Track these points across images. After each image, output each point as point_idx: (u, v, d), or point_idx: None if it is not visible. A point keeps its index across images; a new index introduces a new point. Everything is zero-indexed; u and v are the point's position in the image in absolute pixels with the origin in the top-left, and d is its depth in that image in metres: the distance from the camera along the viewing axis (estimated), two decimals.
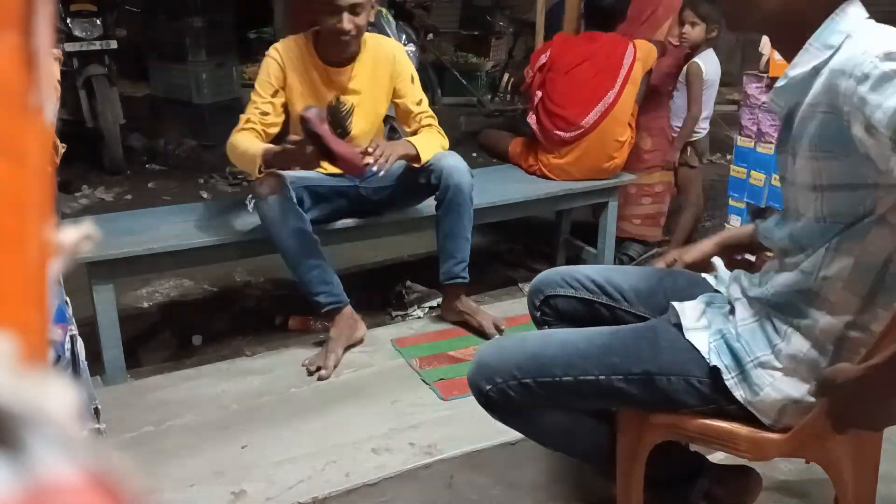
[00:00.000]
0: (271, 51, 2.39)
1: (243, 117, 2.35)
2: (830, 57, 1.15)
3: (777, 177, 2.67)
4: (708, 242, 1.57)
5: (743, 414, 1.28)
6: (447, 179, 2.36)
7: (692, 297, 1.43)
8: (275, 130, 2.38)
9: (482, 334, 2.49)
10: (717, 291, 1.45)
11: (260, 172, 2.22)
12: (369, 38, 2.46)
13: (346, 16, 2.24)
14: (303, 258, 2.26)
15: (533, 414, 1.43)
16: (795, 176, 1.21)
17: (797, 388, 1.23)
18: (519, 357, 1.38)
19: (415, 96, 2.50)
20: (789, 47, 1.23)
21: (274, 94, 2.35)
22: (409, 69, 2.51)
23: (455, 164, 2.38)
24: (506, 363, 1.38)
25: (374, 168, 2.19)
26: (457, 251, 2.46)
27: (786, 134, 1.25)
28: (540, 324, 1.64)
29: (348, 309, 2.37)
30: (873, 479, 1.35)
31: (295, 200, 2.24)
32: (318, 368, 2.26)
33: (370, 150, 2.20)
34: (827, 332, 1.21)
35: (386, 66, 2.45)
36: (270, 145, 2.24)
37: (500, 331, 2.50)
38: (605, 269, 1.67)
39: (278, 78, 2.36)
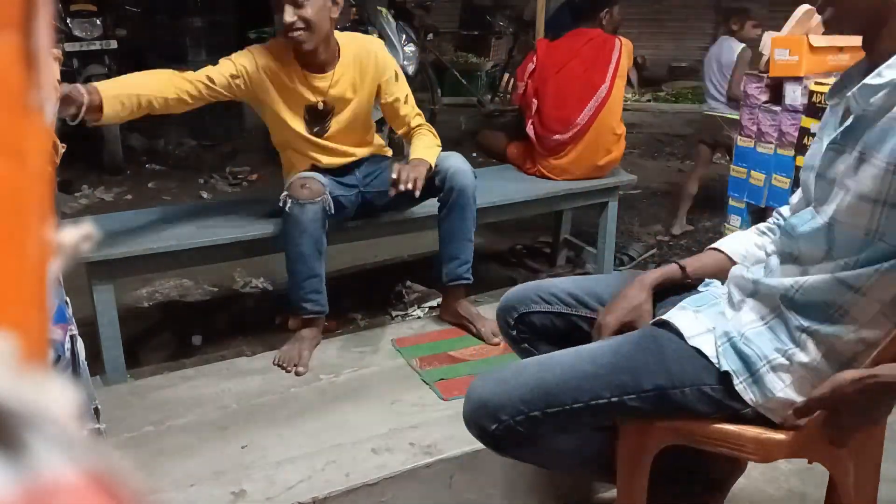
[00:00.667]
0: (253, 48, 2.32)
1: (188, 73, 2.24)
2: None
3: (778, 177, 2.68)
4: (639, 293, 1.44)
5: (751, 415, 1.27)
6: (451, 181, 2.36)
7: (675, 297, 1.42)
8: (201, 98, 2.26)
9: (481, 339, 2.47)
10: (698, 291, 1.44)
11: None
12: (348, 39, 2.40)
13: (287, 8, 2.17)
14: (308, 266, 2.28)
15: (540, 443, 1.37)
16: (853, 183, 1.15)
17: (808, 393, 1.22)
18: (521, 389, 1.30)
19: (400, 93, 2.45)
20: (878, 57, 1.16)
21: (232, 77, 2.26)
22: (392, 65, 2.45)
23: (459, 165, 2.38)
24: (509, 398, 1.30)
25: (405, 188, 2.17)
26: (460, 252, 2.45)
27: (849, 134, 1.18)
28: (516, 342, 1.57)
29: (324, 317, 2.42)
30: (875, 478, 1.35)
31: (331, 208, 2.25)
32: (295, 366, 2.29)
33: (394, 176, 2.19)
34: (847, 345, 1.19)
35: (367, 65, 2.40)
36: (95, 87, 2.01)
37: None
38: (581, 280, 1.62)
39: (241, 70, 2.27)
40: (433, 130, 2.49)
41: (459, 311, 2.51)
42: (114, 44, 4.46)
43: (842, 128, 1.19)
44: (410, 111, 2.48)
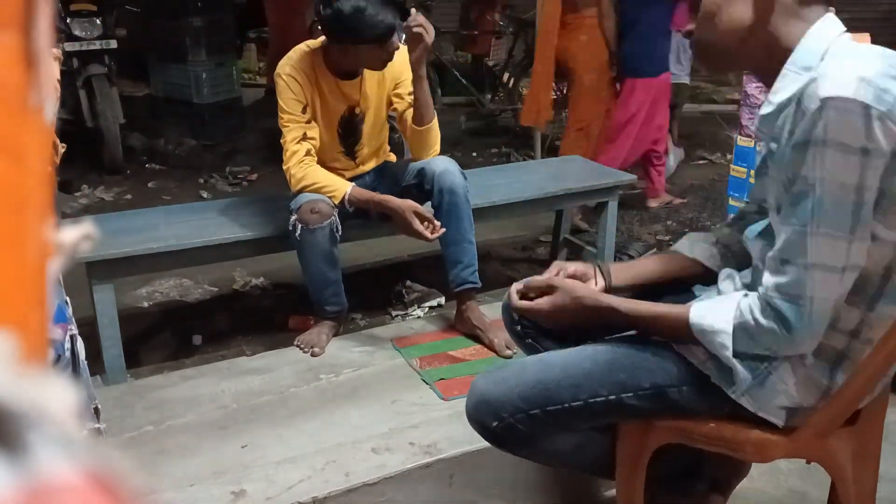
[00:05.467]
0: (287, 69, 2.31)
1: (292, 147, 2.29)
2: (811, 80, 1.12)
3: None
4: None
5: (750, 414, 1.27)
6: (439, 183, 2.34)
7: (675, 295, 1.43)
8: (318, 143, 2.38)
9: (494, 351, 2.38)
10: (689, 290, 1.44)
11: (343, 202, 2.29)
12: None
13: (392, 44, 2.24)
14: (325, 277, 2.34)
15: (542, 440, 1.38)
16: (771, 198, 1.23)
17: (806, 398, 1.23)
18: (521, 387, 1.32)
19: (409, 90, 2.45)
20: (773, 75, 1.21)
21: (304, 111, 2.32)
22: (408, 73, 2.44)
23: (446, 166, 2.37)
24: (509, 396, 1.32)
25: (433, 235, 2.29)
26: (462, 256, 2.41)
27: (768, 159, 1.25)
28: (521, 338, 1.57)
29: (345, 310, 2.49)
30: (874, 478, 1.36)
31: (339, 229, 2.28)
32: (312, 347, 2.37)
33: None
34: (828, 344, 1.20)
35: (388, 70, 2.42)
36: (365, 192, 2.32)
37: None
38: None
39: (301, 93, 2.31)
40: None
41: (472, 321, 2.44)
42: (114, 44, 4.45)
43: (761, 157, 1.30)
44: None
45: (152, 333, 2.74)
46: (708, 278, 1.44)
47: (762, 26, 1.18)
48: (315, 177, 2.29)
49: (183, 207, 2.87)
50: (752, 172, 2.79)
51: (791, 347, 1.17)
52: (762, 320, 1.16)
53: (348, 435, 1.95)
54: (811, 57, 1.14)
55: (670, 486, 1.58)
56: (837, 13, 1.21)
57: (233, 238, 2.39)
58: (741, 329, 1.18)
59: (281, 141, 2.32)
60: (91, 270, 2.19)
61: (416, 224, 2.25)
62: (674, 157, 4.56)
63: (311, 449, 1.90)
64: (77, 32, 4.32)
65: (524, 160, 4.55)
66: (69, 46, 4.24)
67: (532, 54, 4.21)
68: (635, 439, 1.38)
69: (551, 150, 4.94)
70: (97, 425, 1.29)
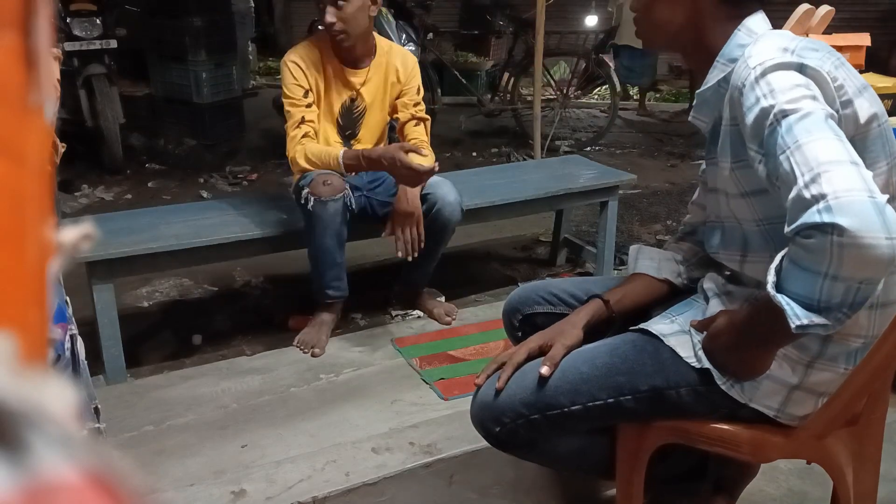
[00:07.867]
0: (291, 57, 2.39)
1: (291, 132, 2.34)
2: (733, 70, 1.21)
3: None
4: (573, 331, 1.39)
5: (749, 415, 1.27)
6: (439, 213, 2.40)
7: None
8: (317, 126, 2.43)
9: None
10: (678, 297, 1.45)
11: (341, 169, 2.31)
12: (386, 44, 2.51)
13: (328, 8, 2.28)
14: (330, 256, 2.35)
15: (543, 444, 1.39)
16: (726, 186, 1.26)
17: (793, 374, 1.23)
18: (523, 393, 1.33)
19: (414, 101, 2.53)
20: (702, 68, 1.29)
21: (306, 95, 2.37)
22: (418, 80, 2.54)
23: (448, 199, 2.40)
24: (510, 401, 1.33)
25: (403, 255, 2.34)
26: (427, 266, 2.57)
27: (712, 147, 1.29)
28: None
29: (342, 301, 2.51)
30: (874, 478, 1.36)
31: (352, 203, 2.30)
32: (313, 347, 2.40)
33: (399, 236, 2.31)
34: None
35: (394, 72, 2.49)
36: (354, 151, 2.32)
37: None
38: (582, 281, 1.65)
39: (303, 79, 2.38)
40: (429, 145, 2.52)
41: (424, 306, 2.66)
42: (114, 43, 4.45)
43: (706, 145, 1.34)
44: (419, 136, 2.50)
45: (152, 333, 2.74)
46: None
47: (691, 27, 1.27)
48: (308, 150, 2.31)
49: (183, 207, 2.87)
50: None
51: (859, 243, 0.94)
52: (807, 242, 0.98)
53: (348, 435, 1.95)
54: (737, 50, 1.22)
55: (675, 487, 1.58)
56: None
57: (233, 238, 2.39)
58: (790, 265, 1.03)
59: (285, 127, 2.38)
60: (91, 270, 2.19)
61: (406, 159, 2.19)
62: None
63: (311, 449, 1.90)
64: (77, 32, 4.31)
65: (524, 160, 4.56)
66: (69, 46, 4.23)
67: (532, 54, 4.21)
68: (634, 439, 1.38)
69: (551, 150, 4.94)
70: (97, 425, 1.29)
